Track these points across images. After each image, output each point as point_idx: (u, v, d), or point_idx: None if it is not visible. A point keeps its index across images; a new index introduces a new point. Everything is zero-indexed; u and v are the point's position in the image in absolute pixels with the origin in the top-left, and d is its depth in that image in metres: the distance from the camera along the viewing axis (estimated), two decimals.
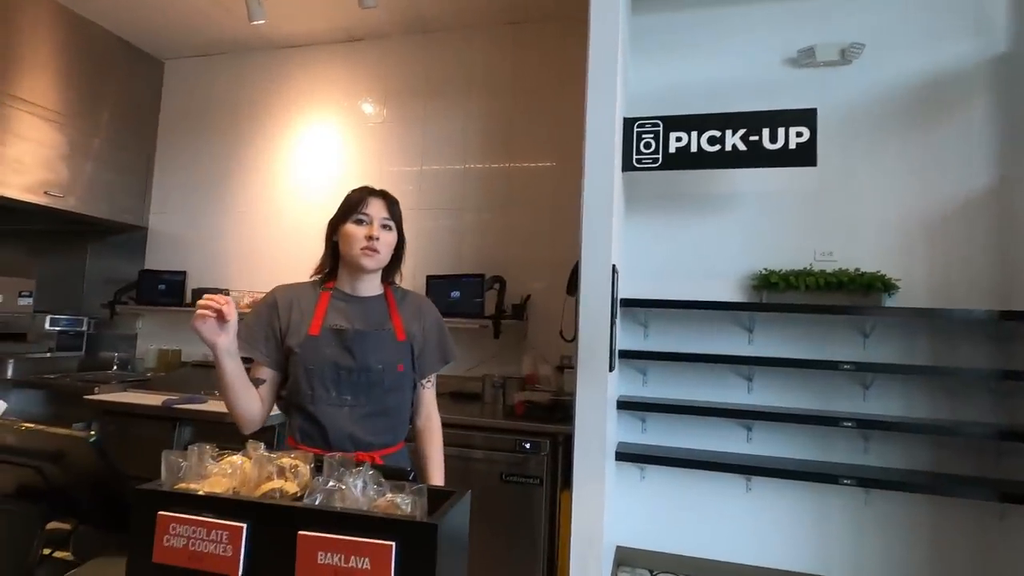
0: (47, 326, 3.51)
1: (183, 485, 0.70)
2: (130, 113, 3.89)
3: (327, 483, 0.68)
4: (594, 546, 2.21)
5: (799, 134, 2.55)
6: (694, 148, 2.68)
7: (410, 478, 0.82)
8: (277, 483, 0.71)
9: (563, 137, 3.22)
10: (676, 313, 2.94)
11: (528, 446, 2.45)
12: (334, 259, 1.42)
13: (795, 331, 2.81)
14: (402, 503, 0.66)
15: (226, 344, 1.16)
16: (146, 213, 4.01)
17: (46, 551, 1.02)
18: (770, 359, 2.70)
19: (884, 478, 2.51)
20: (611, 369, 2.38)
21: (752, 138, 2.61)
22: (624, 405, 2.81)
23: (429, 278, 3.16)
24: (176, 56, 4.08)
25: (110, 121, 3.74)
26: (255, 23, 3.22)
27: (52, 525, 1.05)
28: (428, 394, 1.49)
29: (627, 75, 2.96)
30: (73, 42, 3.52)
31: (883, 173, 2.77)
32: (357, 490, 0.67)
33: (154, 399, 2.82)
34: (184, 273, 3.69)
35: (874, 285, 2.62)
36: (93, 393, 2.90)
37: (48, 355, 3.48)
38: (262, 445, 0.77)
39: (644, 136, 2.74)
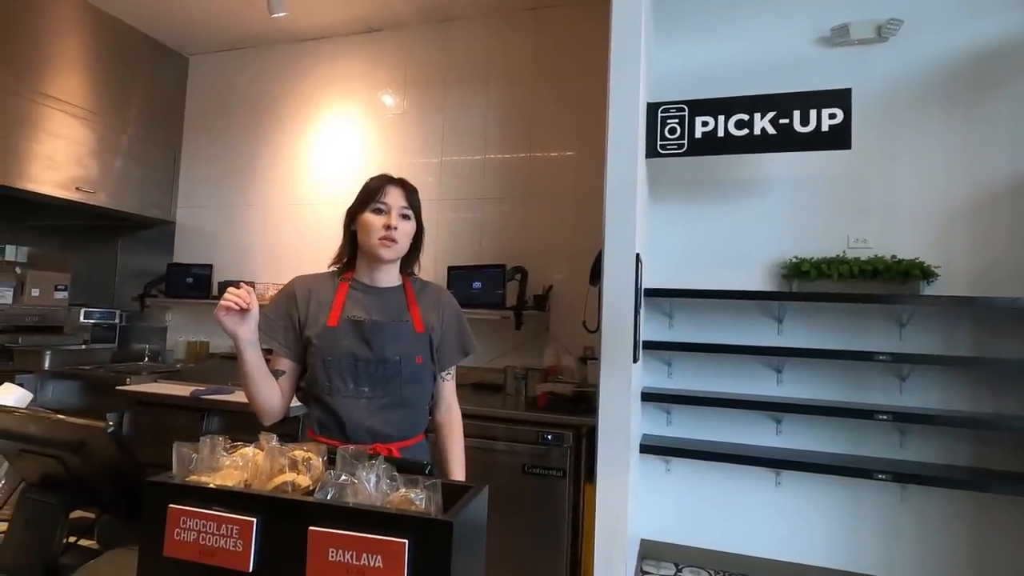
0: (82, 319, 3.61)
1: (194, 477, 0.69)
2: (157, 109, 3.96)
3: (339, 477, 0.66)
4: (618, 539, 2.18)
5: (832, 116, 2.45)
6: (721, 132, 2.59)
7: (427, 471, 0.80)
8: (289, 476, 0.69)
9: (585, 125, 3.16)
10: (702, 303, 2.87)
11: (551, 438, 2.42)
12: (352, 248, 1.41)
13: (827, 321, 2.71)
14: (416, 498, 0.64)
15: (247, 335, 1.17)
16: (173, 207, 4.08)
17: (71, 539, 1.03)
18: (801, 350, 2.61)
19: (922, 473, 2.41)
20: (635, 360, 2.33)
21: (782, 121, 2.52)
22: (649, 397, 2.76)
23: (450, 269, 3.15)
24: (200, 52, 4.12)
25: (138, 117, 3.81)
26: (275, 16, 3.23)
27: (78, 514, 1.07)
28: (448, 386, 1.47)
29: (650, 59, 2.89)
30: (101, 40, 3.58)
31: (922, 155, 2.65)
32: (370, 484, 0.65)
33: (183, 390, 2.88)
34: (210, 266, 3.75)
35: (912, 273, 2.51)
36: (125, 384, 2.96)
37: (83, 347, 3.57)
38: (274, 437, 0.76)
39: (669, 121, 2.67)
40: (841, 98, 2.44)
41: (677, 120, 2.65)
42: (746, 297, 2.73)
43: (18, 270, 3.48)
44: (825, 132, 2.46)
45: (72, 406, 3.19)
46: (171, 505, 0.64)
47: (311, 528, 0.61)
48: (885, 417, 2.42)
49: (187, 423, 2.81)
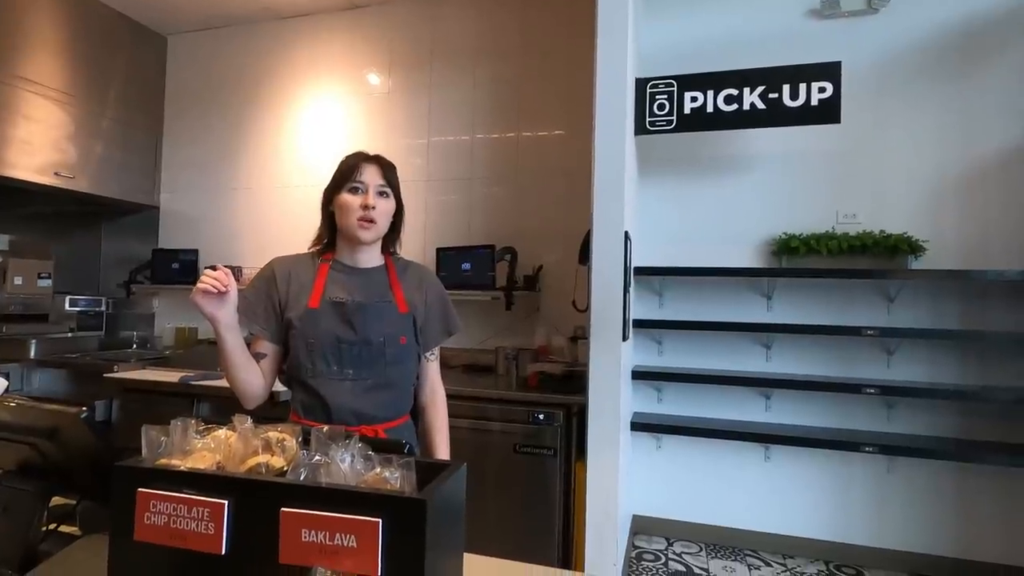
0: (67, 307, 3.56)
1: (164, 461, 0.68)
2: (136, 91, 3.86)
3: (312, 457, 0.65)
4: (610, 515, 2.20)
5: (822, 90, 2.42)
6: (710, 108, 2.56)
7: (406, 451, 0.79)
8: (263, 457, 0.68)
9: (574, 103, 3.11)
10: (692, 281, 2.87)
11: (542, 417, 2.43)
12: (332, 230, 1.37)
13: (816, 297, 2.72)
14: (390, 477, 0.63)
15: (226, 318, 1.15)
16: (157, 192, 4.00)
17: (52, 526, 1.02)
18: (790, 326, 2.62)
19: (908, 445, 2.45)
20: (625, 339, 2.33)
21: (771, 96, 2.49)
22: (639, 375, 2.77)
23: (439, 250, 3.12)
24: (179, 31, 4.01)
25: (117, 100, 3.72)
26: None
27: (59, 500, 1.05)
28: (432, 367, 1.45)
29: (639, 34, 2.84)
30: (76, 20, 3.47)
31: (912, 129, 2.63)
32: (344, 464, 0.64)
33: (172, 376, 2.85)
34: (196, 251, 3.70)
35: (900, 247, 2.51)
36: (113, 371, 2.94)
37: (69, 335, 3.53)
38: (248, 419, 0.74)
39: (657, 97, 2.63)
40: (831, 72, 2.41)
41: (666, 96, 2.62)
42: (735, 274, 2.72)
43: (0, 259, 3.43)
44: (815, 106, 2.43)
45: (60, 395, 3.17)
46: (140, 489, 0.63)
47: (283, 509, 0.60)
48: (872, 391, 2.44)
49: (177, 409, 2.79)
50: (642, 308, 2.93)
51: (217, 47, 3.93)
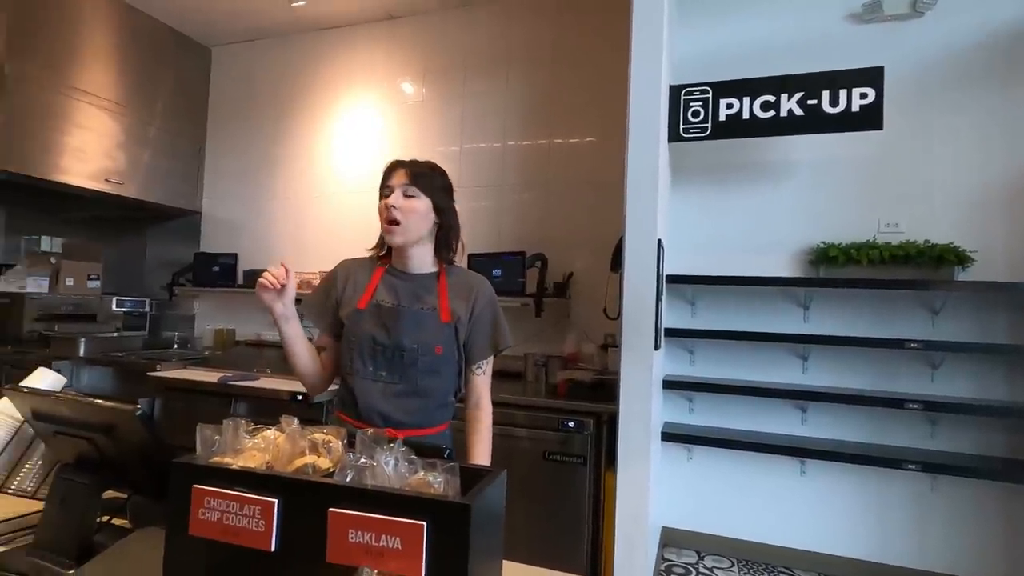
0: (114, 307, 3.71)
1: (217, 459, 0.70)
2: (181, 100, 4.02)
3: (358, 460, 0.66)
4: (639, 526, 2.18)
5: (863, 95, 2.37)
6: (746, 115, 2.53)
7: (445, 455, 0.80)
8: (310, 458, 0.70)
9: (606, 110, 3.11)
10: (725, 289, 2.83)
11: (571, 425, 2.42)
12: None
13: (855, 308, 2.65)
14: (434, 481, 0.64)
15: (280, 310, 1.28)
16: (199, 197, 4.15)
17: (105, 518, 1.07)
18: (828, 337, 2.56)
19: (954, 464, 2.35)
20: (657, 348, 2.31)
21: (810, 102, 2.44)
22: (670, 384, 2.74)
23: (471, 256, 3.14)
24: (223, 43, 4.16)
25: (164, 109, 3.87)
26: (295, 4, 3.24)
27: (110, 493, 1.10)
28: (479, 380, 1.41)
29: (673, 40, 2.82)
30: (127, 33, 3.64)
31: (958, 136, 2.55)
32: (389, 467, 0.65)
33: (211, 376, 2.95)
34: (235, 255, 3.81)
35: (946, 258, 2.43)
36: (156, 370, 3.04)
37: (115, 334, 3.67)
38: (295, 420, 0.77)
39: (692, 104, 2.61)
40: (873, 77, 2.36)
41: (701, 103, 2.60)
42: (771, 283, 2.67)
43: (53, 260, 3.59)
44: (856, 112, 2.38)
45: (106, 392, 3.30)
46: (195, 486, 0.66)
47: (331, 510, 0.61)
48: (916, 406, 2.36)
49: (215, 408, 2.88)
50: (674, 317, 2.90)
51: (258, 58, 4.06)
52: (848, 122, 2.40)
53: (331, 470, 0.70)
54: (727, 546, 2.78)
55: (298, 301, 1.33)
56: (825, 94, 2.42)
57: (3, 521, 1.06)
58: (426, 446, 0.83)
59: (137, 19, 3.69)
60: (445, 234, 1.40)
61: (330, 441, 0.74)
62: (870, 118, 2.36)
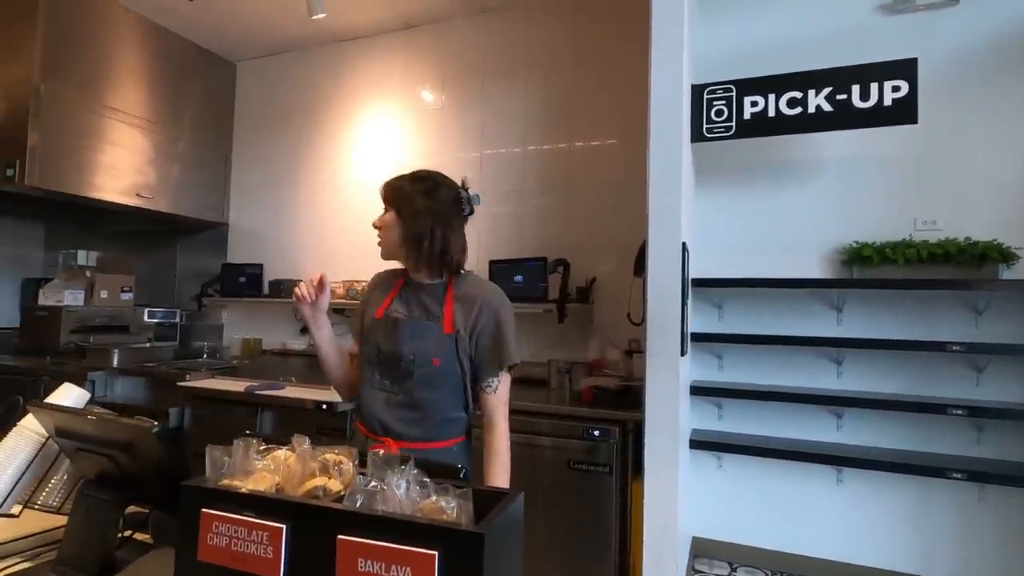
0: (146, 318, 3.80)
1: (227, 481, 0.69)
2: (208, 115, 4.10)
3: (368, 483, 0.64)
4: (669, 537, 2.12)
5: (896, 88, 2.27)
6: (772, 112, 2.46)
7: (461, 475, 0.77)
8: (320, 480, 0.69)
9: (628, 112, 3.06)
10: (754, 292, 2.74)
11: (597, 433, 2.37)
12: None
13: (892, 309, 2.54)
14: (447, 507, 0.62)
15: (311, 318, 1.36)
16: (226, 210, 4.23)
17: (127, 533, 1.07)
18: (863, 340, 2.46)
19: (1003, 472, 2.23)
20: (683, 353, 2.25)
21: (839, 97, 2.36)
22: (698, 391, 2.67)
23: (491, 263, 3.13)
24: (247, 57, 4.24)
25: (191, 124, 3.96)
26: (315, 18, 3.27)
27: (133, 508, 1.10)
28: (489, 400, 1.32)
29: (694, 38, 2.76)
30: (156, 52, 3.74)
31: (998, 128, 2.43)
32: (400, 491, 0.63)
33: (238, 385, 2.98)
34: (261, 266, 3.87)
35: (989, 255, 2.31)
36: (185, 380, 3.10)
37: (147, 345, 3.76)
38: (307, 440, 0.75)
39: (715, 103, 2.55)
40: (906, 69, 2.26)
41: (724, 101, 2.53)
42: (802, 286, 2.59)
43: (88, 274, 3.70)
44: (888, 106, 2.29)
45: (138, 401, 3.37)
46: (204, 510, 0.65)
47: (340, 537, 0.59)
48: (959, 412, 2.25)
49: (243, 417, 2.92)
50: (701, 321, 2.83)
51: (281, 71, 4.13)
52: (880, 116, 2.31)
53: (342, 493, 0.68)
54: (760, 557, 2.69)
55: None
56: (855, 88, 2.33)
57: (28, 536, 1.08)
58: (440, 466, 0.81)
59: (165, 38, 3.79)
60: (417, 242, 1.31)
61: (341, 462, 0.72)
62: (904, 112, 2.27)
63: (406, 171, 1.43)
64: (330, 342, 1.40)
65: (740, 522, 2.75)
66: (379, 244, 1.38)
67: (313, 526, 0.62)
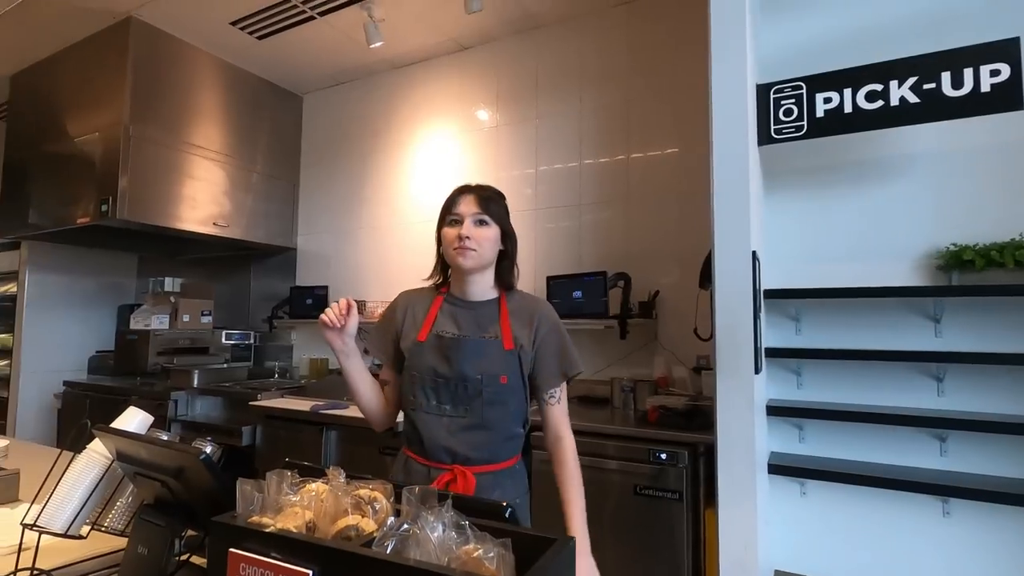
0: (223, 340, 4.01)
1: (256, 518, 0.66)
2: (277, 146, 4.33)
3: (400, 526, 0.59)
4: (747, 570, 1.95)
5: (995, 73, 2.03)
6: (848, 108, 2.26)
7: (506, 515, 0.71)
8: (353, 519, 0.64)
9: (687, 118, 2.94)
10: (834, 303, 2.52)
11: (664, 456, 2.24)
12: (445, 265, 1.39)
13: (1001, 319, 2.25)
14: (485, 556, 0.55)
15: (340, 345, 1.28)
16: (295, 235, 4.42)
17: (186, 556, 1.07)
18: (969, 354, 2.18)
19: None
20: (757, 371, 2.09)
21: (927, 86, 2.14)
22: (775, 411, 2.46)
23: (549, 279, 3.06)
24: (312, 90, 4.45)
25: (263, 156, 4.19)
26: (373, 46, 3.38)
27: (193, 532, 1.11)
28: (553, 411, 1.32)
29: (757, 36, 2.61)
30: (230, 89, 3.99)
31: None
32: (435, 535, 0.58)
33: (304, 405, 3.07)
34: (326, 287, 3.99)
35: None
36: (256, 400, 3.22)
37: (225, 366, 3.96)
38: (342, 473, 0.71)
39: (783, 102, 2.38)
40: (1007, 50, 2.02)
41: (793, 100, 2.36)
42: (893, 294, 2.34)
43: (172, 299, 3.96)
44: (986, 93, 2.05)
45: (216, 419, 3.54)
46: (231, 550, 0.62)
47: None
48: None
49: (310, 435, 2.99)
50: (776, 335, 2.62)
51: (344, 100, 4.30)
52: (977, 105, 2.07)
53: (374, 534, 0.63)
54: None
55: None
56: (945, 76, 2.11)
57: (94, 558, 1.10)
58: (483, 503, 0.75)
59: (238, 76, 4.04)
60: (510, 260, 1.34)
61: (376, 498, 0.67)
62: (1005, 98, 2.02)
63: None
64: (361, 371, 1.32)
65: (828, 555, 2.50)
66: (467, 253, 1.25)
67: (342, 571, 0.57)
